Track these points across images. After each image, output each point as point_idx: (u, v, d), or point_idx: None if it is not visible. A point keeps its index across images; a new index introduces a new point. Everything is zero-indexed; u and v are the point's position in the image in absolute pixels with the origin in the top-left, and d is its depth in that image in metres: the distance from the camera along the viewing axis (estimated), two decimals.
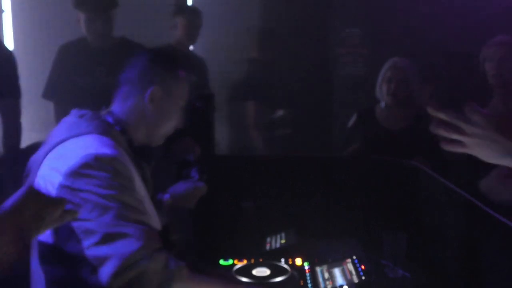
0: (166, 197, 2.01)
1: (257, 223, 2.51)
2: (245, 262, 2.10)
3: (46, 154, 1.56)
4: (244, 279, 1.92)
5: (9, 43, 3.67)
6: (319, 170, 2.68)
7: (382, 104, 3.03)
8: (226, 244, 2.37)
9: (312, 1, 4.35)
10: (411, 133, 2.94)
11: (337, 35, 4.35)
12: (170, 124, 1.75)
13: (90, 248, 1.43)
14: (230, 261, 2.13)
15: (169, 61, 1.74)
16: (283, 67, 4.33)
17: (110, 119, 1.66)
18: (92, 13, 3.08)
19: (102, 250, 1.42)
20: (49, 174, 1.51)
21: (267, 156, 3.66)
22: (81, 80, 3.14)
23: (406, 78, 2.94)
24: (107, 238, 1.42)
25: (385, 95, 2.98)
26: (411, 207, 2.47)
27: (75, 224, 1.44)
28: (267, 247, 2.29)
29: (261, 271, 1.98)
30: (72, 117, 1.64)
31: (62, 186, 1.46)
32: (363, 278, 1.92)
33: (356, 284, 1.89)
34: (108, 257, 1.41)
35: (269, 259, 2.12)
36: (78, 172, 1.46)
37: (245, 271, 1.98)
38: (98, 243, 1.42)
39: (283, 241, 2.30)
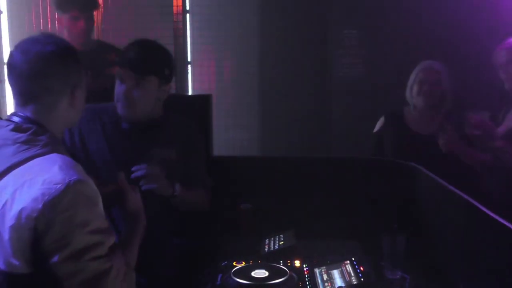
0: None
1: (256, 224, 2.50)
2: (243, 263, 2.09)
3: None
4: (243, 281, 1.92)
5: (6, 44, 3.67)
6: (317, 171, 2.67)
7: (412, 106, 3.01)
8: (224, 245, 2.36)
9: (312, 2, 4.34)
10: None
11: (336, 37, 4.33)
12: None
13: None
14: None
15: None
16: (282, 68, 4.32)
17: (35, 128, 1.54)
18: (76, 12, 3.15)
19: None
20: (16, 201, 1.40)
21: (266, 157, 3.65)
22: None
23: (440, 80, 2.92)
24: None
25: (416, 96, 2.96)
26: (410, 208, 2.47)
27: None
28: (266, 248, 2.28)
29: (260, 273, 1.98)
30: (8, 132, 1.51)
31: (41, 216, 1.38)
32: (362, 279, 1.91)
33: (355, 285, 1.89)
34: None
35: (268, 260, 2.11)
36: (60, 201, 1.40)
37: (244, 272, 1.97)
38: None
39: (281, 243, 2.29)
